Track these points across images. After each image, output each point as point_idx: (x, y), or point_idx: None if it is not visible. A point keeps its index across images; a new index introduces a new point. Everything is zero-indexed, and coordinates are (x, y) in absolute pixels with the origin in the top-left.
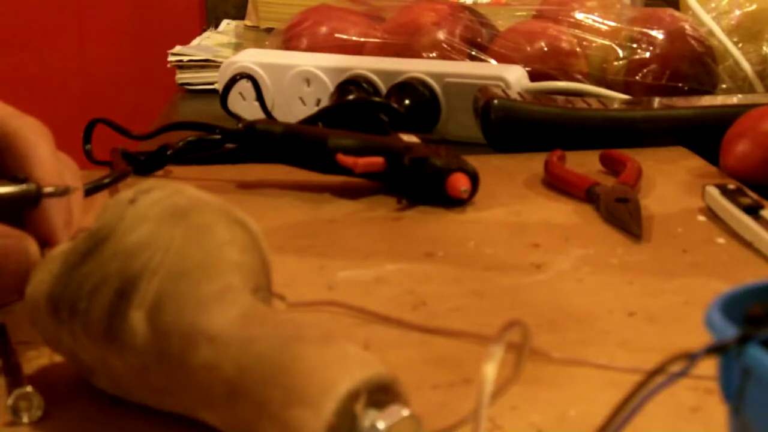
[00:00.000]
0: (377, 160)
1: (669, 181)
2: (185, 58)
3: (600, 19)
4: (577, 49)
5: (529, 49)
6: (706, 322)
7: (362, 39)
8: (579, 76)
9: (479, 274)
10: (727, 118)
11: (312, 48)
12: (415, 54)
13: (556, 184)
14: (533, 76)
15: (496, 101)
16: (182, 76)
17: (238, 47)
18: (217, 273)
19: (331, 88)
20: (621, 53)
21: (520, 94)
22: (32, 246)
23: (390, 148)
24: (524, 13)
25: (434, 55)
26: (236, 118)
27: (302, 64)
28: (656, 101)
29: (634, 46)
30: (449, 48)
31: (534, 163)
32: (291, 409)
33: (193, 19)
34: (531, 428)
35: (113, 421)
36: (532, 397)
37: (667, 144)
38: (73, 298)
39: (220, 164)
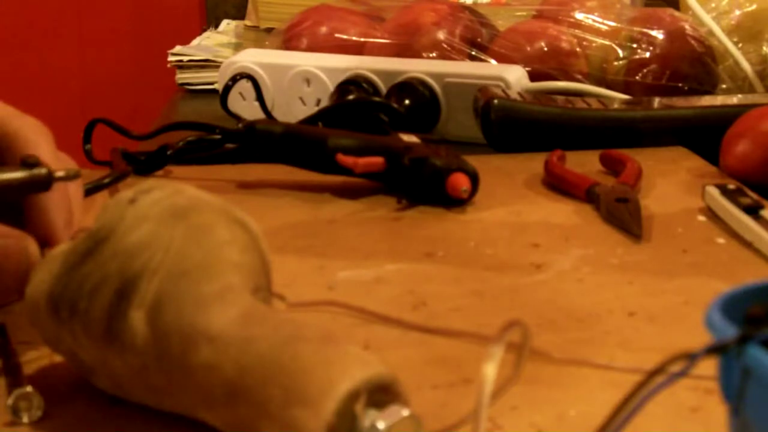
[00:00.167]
0: (377, 160)
1: (669, 181)
2: (185, 58)
3: (600, 19)
4: (577, 49)
5: (529, 49)
6: (706, 322)
7: (362, 39)
8: (579, 76)
9: (479, 274)
10: (727, 118)
11: (312, 48)
12: (415, 54)
13: (556, 184)
14: (533, 76)
15: (496, 101)
16: (182, 76)
17: (238, 47)
18: (217, 273)
19: (331, 88)
20: (621, 53)
21: (520, 94)
22: (32, 246)
23: (390, 148)
24: (524, 13)
25: (434, 55)
26: (236, 118)
27: (302, 64)
28: (656, 101)
29: (634, 46)
30: (449, 48)
31: (534, 163)
32: (291, 409)
33: (193, 19)
34: (531, 428)
35: (113, 421)
36: (532, 397)
37: (667, 144)
38: (73, 298)
39: (220, 164)
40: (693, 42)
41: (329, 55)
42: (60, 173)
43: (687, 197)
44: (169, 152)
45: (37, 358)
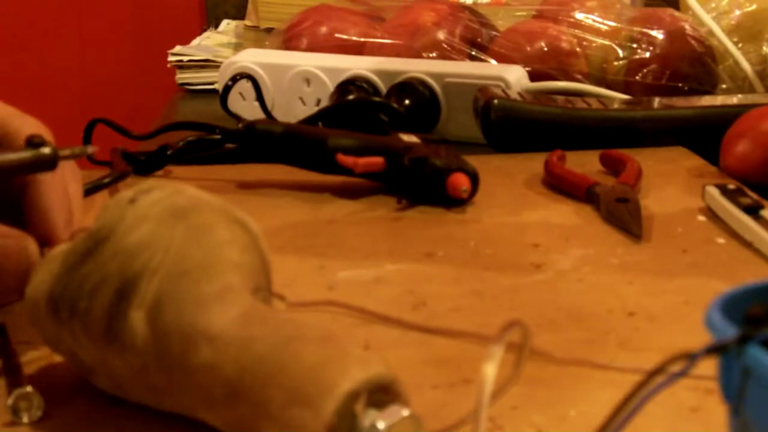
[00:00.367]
0: (377, 160)
1: (669, 181)
2: (185, 58)
3: (600, 19)
4: (577, 49)
5: (529, 49)
6: (706, 322)
7: (362, 39)
8: (579, 76)
9: (479, 274)
10: (727, 118)
11: (312, 48)
12: (415, 54)
13: (556, 184)
14: (533, 76)
15: (496, 101)
16: (182, 76)
17: (238, 47)
18: (217, 273)
19: (331, 88)
20: (621, 53)
21: (520, 94)
22: (32, 246)
23: (390, 148)
24: (524, 13)
25: (434, 55)
26: (236, 118)
27: (302, 64)
28: (656, 101)
29: (634, 46)
30: (449, 48)
31: (534, 163)
32: (291, 409)
33: (193, 19)
34: (531, 428)
35: (113, 421)
36: (532, 397)
37: (667, 144)
38: (73, 298)
39: (220, 164)
40: (693, 42)
41: (329, 55)
42: (65, 151)
43: (687, 197)
44: (169, 152)
45: (37, 358)
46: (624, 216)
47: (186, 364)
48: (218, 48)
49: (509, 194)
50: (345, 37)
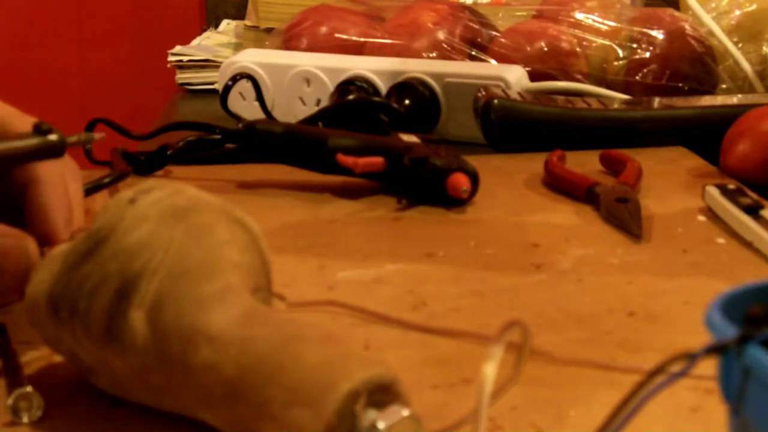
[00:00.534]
0: (377, 160)
1: (669, 181)
2: (185, 58)
3: (600, 19)
4: (577, 49)
5: (529, 49)
6: (706, 322)
7: (362, 39)
8: (579, 76)
9: (479, 274)
10: (727, 118)
11: (312, 48)
12: (415, 54)
13: (556, 184)
14: (533, 76)
15: (496, 101)
16: (182, 76)
17: (238, 47)
18: (217, 273)
19: (331, 88)
20: (621, 53)
21: (520, 94)
22: (32, 245)
23: (390, 148)
24: (524, 13)
25: (434, 55)
26: (236, 118)
27: (302, 64)
28: (656, 101)
29: (634, 46)
30: (449, 48)
31: (534, 163)
32: (291, 409)
33: (193, 19)
34: (531, 428)
35: (113, 421)
36: (532, 397)
37: (667, 144)
38: (73, 298)
39: (220, 164)
40: (693, 42)
41: (329, 55)
42: (72, 138)
43: (687, 197)
44: (169, 152)
45: (37, 358)
46: (624, 216)
47: (186, 364)
48: (218, 48)
49: (509, 194)
50: (345, 37)
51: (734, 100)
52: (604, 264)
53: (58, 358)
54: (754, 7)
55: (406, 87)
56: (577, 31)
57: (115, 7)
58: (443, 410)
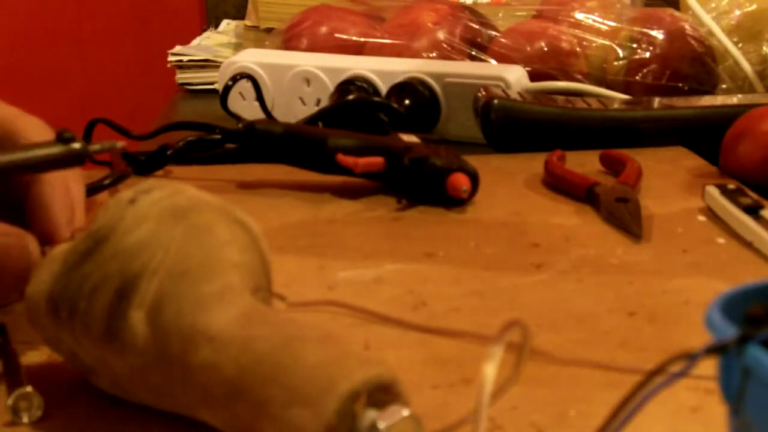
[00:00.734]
0: (377, 160)
1: (669, 181)
2: (185, 58)
3: (600, 19)
4: (577, 49)
5: (529, 49)
6: (706, 322)
7: (362, 39)
8: (579, 76)
9: (479, 274)
10: (727, 118)
11: (312, 48)
12: (415, 54)
13: (556, 184)
14: (533, 76)
15: (496, 101)
16: (182, 76)
17: (238, 47)
18: (217, 273)
19: (331, 88)
20: (621, 53)
21: (520, 94)
22: (33, 244)
23: (390, 148)
24: (524, 13)
25: (434, 55)
26: (236, 118)
27: (302, 64)
28: (656, 101)
29: (634, 46)
30: (449, 48)
31: (534, 163)
32: (291, 408)
33: (193, 19)
34: (531, 428)
35: (113, 421)
36: (532, 397)
37: (667, 144)
38: (73, 298)
39: (220, 164)
40: (693, 42)
41: (329, 55)
42: (95, 146)
43: (687, 197)
44: (169, 152)
45: (37, 358)
46: (624, 216)
47: (186, 364)
48: (218, 48)
49: (509, 194)
50: (345, 37)
51: (734, 100)
52: (604, 264)
53: (58, 358)
54: (754, 7)
55: (406, 87)
56: (577, 31)
57: (115, 7)
58: (443, 410)
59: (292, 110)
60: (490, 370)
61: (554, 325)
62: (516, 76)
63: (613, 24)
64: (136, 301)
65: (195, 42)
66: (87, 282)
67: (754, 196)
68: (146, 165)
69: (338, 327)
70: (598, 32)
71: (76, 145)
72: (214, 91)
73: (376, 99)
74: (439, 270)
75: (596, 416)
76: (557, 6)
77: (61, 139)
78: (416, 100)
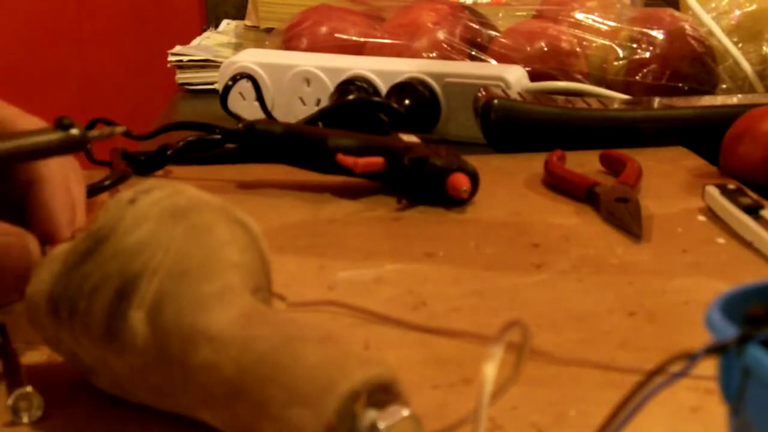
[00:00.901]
0: (377, 160)
1: (669, 181)
2: (185, 58)
3: (600, 19)
4: (577, 49)
5: (529, 49)
6: (706, 322)
7: (362, 39)
8: (579, 76)
9: (479, 274)
10: (727, 118)
11: (312, 48)
12: (415, 54)
13: (556, 184)
14: (533, 76)
15: (496, 101)
16: (182, 76)
17: (238, 47)
18: (217, 273)
19: (331, 88)
20: (621, 53)
21: (520, 94)
22: (33, 244)
23: (390, 148)
24: (524, 13)
25: (434, 55)
26: (236, 118)
27: (302, 64)
28: (656, 101)
29: (634, 46)
30: (449, 48)
31: (534, 163)
32: (291, 408)
33: (193, 19)
34: (531, 428)
35: (113, 421)
36: (532, 397)
37: (667, 144)
38: (73, 297)
39: (220, 164)
40: (693, 42)
41: (329, 55)
42: (94, 133)
43: (687, 197)
44: (169, 152)
45: (37, 358)
46: (624, 216)
47: (186, 364)
48: (218, 48)
49: (509, 194)
50: (345, 37)
51: (734, 100)
52: (604, 264)
53: (58, 358)
54: (754, 7)
55: (406, 87)
56: (577, 31)
57: (115, 7)
58: (443, 410)
59: (292, 110)
60: (490, 370)
61: (554, 325)
62: (516, 76)
63: (613, 24)
64: (136, 301)
65: (195, 42)
66: (87, 282)
67: (754, 196)
68: (146, 165)
69: (338, 327)
70: (598, 32)
71: (75, 131)
72: (214, 91)
73: (376, 99)
74: (439, 270)
75: (596, 416)
76: (557, 6)
77: (60, 125)
78: (416, 100)
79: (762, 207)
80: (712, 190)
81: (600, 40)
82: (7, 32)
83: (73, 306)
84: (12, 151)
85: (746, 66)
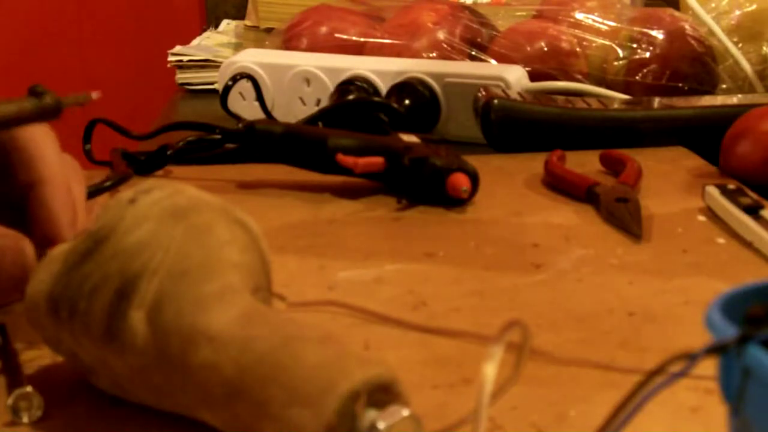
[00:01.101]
0: (377, 160)
1: (669, 181)
2: (185, 58)
3: (600, 19)
4: (577, 49)
5: (529, 49)
6: (706, 322)
7: (362, 39)
8: (579, 76)
9: (479, 274)
10: (727, 118)
11: (312, 48)
12: (415, 54)
13: (556, 184)
14: (533, 76)
15: (496, 101)
16: (182, 76)
17: (238, 47)
18: (217, 273)
19: (331, 88)
20: (621, 53)
21: (520, 94)
22: (28, 246)
23: (390, 148)
24: (524, 13)
25: (434, 55)
26: (236, 118)
27: (302, 64)
28: (656, 101)
29: (634, 46)
30: (449, 48)
31: (534, 163)
32: (291, 408)
33: (193, 19)
34: (531, 428)
35: (113, 421)
36: (532, 397)
37: (667, 144)
38: (73, 298)
39: (220, 164)
40: (693, 42)
41: (329, 55)
42: (69, 99)
43: (687, 197)
44: (169, 152)
45: (37, 358)
46: (624, 216)
47: (186, 364)
48: (218, 48)
49: (509, 194)
50: (345, 37)
51: (734, 100)
52: (604, 264)
53: (58, 358)
54: (754, 7)
55: (406, 87)
56: (577, 31)
57: (115, 8)
58: (443, 410)
59: (292, 110)
60: (490, 370)
61: (554, 325)
62: (516, 76)
63: (613, 24)
64: (136, 301)
65: (195, 42)
66: (87, 282)
67: (754, 196)
68: (146, 165)
69: (338, 327)
70: (598, 32)
71: (49, 99)
72: (214, 91)
73: (376, 99)
74: (439, 270)
75: (596, 416)
76: (557, 6)
77: (33, 93)
78: (416, 100)
79: (762, 207)
80: (712, 190)
81: (600, 40)
82: (7, 32)
83: (73, 306)
84: None
85: (746, 66)
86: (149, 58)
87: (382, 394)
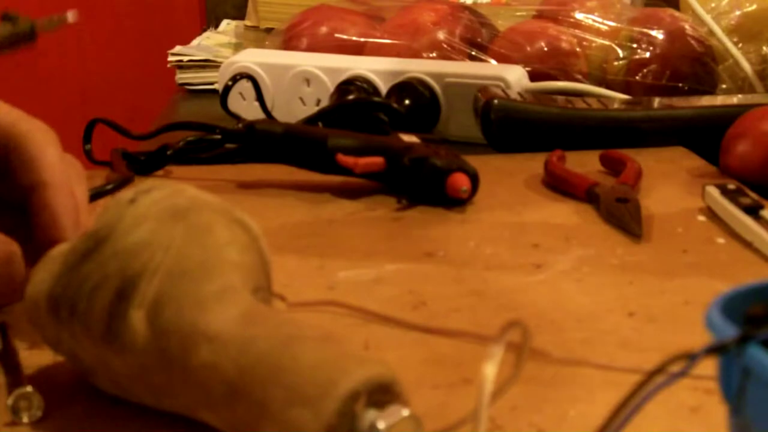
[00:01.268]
0: (377, 160)
1: (669, 181)
2: (185, 58)
3: (600, 19)
4: (577, 49)
5: (529, 49)
6: (706, 322)
7: (362, 39)
8: (579, 76)
9: (479, 274)
10: (727, 118)
11: (312, 48)
12: (415, 54)
13: (556, 184)
14: (533, 76)
15: (496, 101)
16: (182, 76)
17: (238, 47)
18: (217, 273)
19: (331, 88)
20: (621, 53)
21: (520, 94)
22: (18, 252)
23: (390, 148)
24: (524, 13)
25: (434, 55)
26: (236, 118)
27: (302, 64)
28: (656, 101)
29: (634, 46)
30: (449, 48)
31: (534, 163)
32: (291, 408)
33: (193, 19)
34: (531, 428)
35: (113, 421)
36: (532, 397)
37: (667, 144)
38: (73, 298)
39: (220, 164)
40: (693, 42)
41: (329, 55)
42: (44, 21)
43: (687, 197)
44: (169, 152)
45: (37, 358)
46: (624, 216)
47: (186, 364)
48: (218, 48)
49: (509, 194)
50: (345, 37)
51: (734, 100)
52: (604, 264)
53: (58, 358)
54: (754, 7)
55: (406, 87)
56: (577, 31)
57: (115, 7)
58: (443, 410)
59: (292, 110)
60: (490, 370)
61: (554, 325)
62: (516, 76)
63: (613, 24)
64: (136, 301)
65: (195, 42)
66: (87, 282)
67: (754, 196)
68: (146, 165)
69: (338, 327)
70: (598, 32)
71: (23, 23)
72: (214, 91)
73: (376, 99)
74: (439, 270)
75: (596, 416)
76: (557, 6)
77: (7, 18)
78: (416, 100)
79: (762, 207)
80: (712, 190)
81: (600, 40)
82: None
83: (73, 306)
84: None
85: (746, 66)
86: (149, 58)
87: (382, 394)
